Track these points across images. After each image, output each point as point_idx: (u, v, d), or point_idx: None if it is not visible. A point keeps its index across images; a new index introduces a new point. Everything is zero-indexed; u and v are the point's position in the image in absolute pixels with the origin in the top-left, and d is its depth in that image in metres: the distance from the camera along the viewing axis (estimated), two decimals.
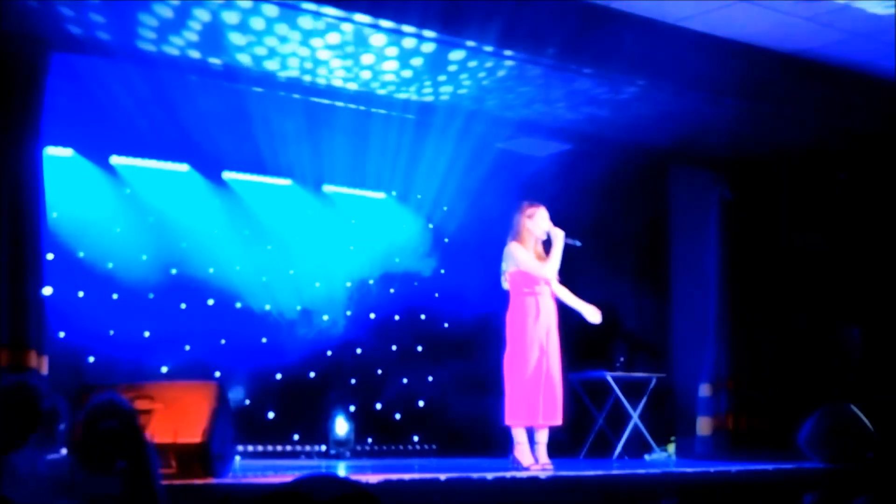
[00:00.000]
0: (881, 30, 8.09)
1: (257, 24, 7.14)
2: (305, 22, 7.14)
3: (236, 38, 7.35)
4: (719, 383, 10.02)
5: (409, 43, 7.52)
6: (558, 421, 7.72)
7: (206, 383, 6.47)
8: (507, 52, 7.63)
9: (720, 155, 10.06)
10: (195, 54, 7.58)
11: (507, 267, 7.74)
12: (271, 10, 6.97)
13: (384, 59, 7.79)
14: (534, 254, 7.74)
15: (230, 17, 7.03)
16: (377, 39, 7.46)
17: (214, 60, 7.70)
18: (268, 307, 10.39)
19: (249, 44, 7.43)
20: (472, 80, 8.20)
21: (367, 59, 7.79)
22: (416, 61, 7.85)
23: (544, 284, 7.72)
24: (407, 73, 8.09)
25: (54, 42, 7.16)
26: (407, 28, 7.21)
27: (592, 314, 7.96)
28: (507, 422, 7.67)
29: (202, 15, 7.00)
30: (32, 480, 4.20)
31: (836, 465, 7.86)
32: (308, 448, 10.40)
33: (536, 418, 7.60)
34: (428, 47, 7.61)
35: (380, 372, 11.04)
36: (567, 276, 7.96)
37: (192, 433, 5.54)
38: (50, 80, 7.12)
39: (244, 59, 7.68)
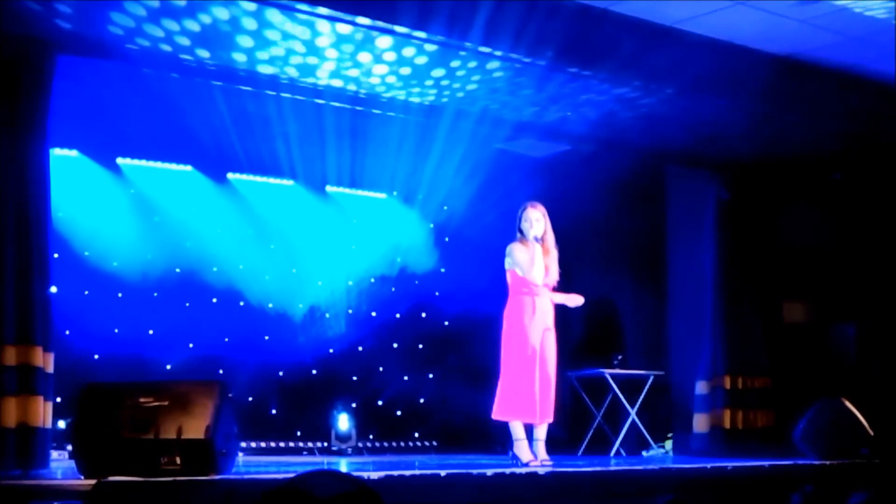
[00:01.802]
0: (875, 32, 8.15)
1: (261, 26, 7.22)
2: (308, 24, 7.22)
3: (241, 41, 7.41)
4: (716, 380, 10.07)
5: (409, 46, 7.59)
6: (550, 418, 7.81)
7: (209, 380, 6.54)
8: (506, 55, 7.69)
9: (716, 155, 10.10)
10: (200, 56, 7.65)
11: (507, 265, 7.86)
12: (274, 13, 7.05)
13: (385, 61, 7.87)
14: (536, 253, 7.80)
15: (234, 20, 7.11)
16: (378, 42, 7.53)
17: (219, 63, 7.77)
18: (271, 305, 10.48)
19: (254, 46, 7.50)
20: (471, 81, 8.26)
21: (368, 61, 7.86)
22: (416, 63, 7.92)
23: (542, 286, 7.81)
24: (407, 75, 8.15)
25: (60, 44, 7.22)
26: (407, 31, 7.29)
27: (574, 300, 8.04)
28: (495, 416, 7.75)
29: (206, 17, 7.08)
30: None
31: (832, 461, 7.97)
32: (310, 444, 10.48)
33: (531, 415, 7.68)
34: (428, 50, 7.69)
35: (381, 369, 11.12)
36: (565, 274, 8.03)
37: (196, 430, 5.59)
38: (56, 82, 7.17)
39: (249, 61, 7.76)
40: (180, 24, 7.16)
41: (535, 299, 7.76)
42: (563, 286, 8.12)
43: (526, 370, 7.65)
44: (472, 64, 7.94)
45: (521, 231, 7.85)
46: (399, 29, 7.27)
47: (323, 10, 6.97)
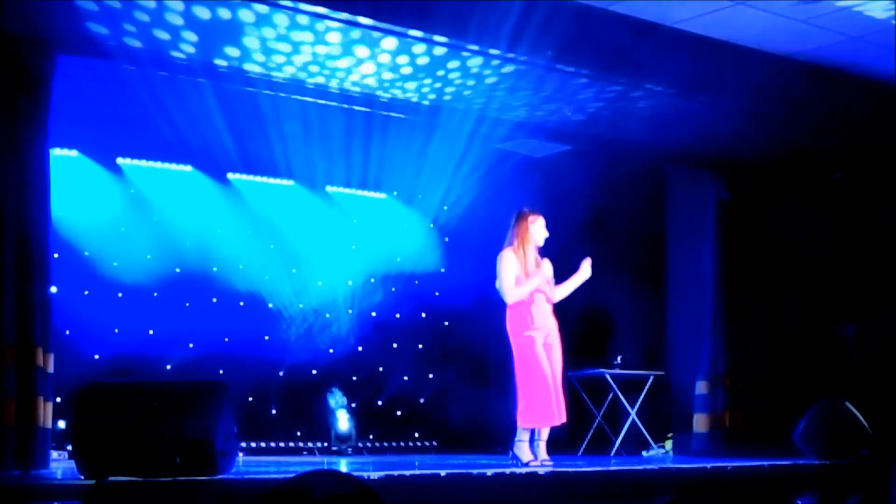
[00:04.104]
0: (876, 32, 8.17)
1: (261, 26, 7.23)
2: (309, 25, 7.23)
3: (242, 41, 7.43)
4: (716, 381, 10.08)
5: (409, 47, 7.60)
6: (564, 419, 7.80)
7: (209, 380, 6.54)
8: (507, 55, 7.69)
9: (717, 155, 10.11)
10: (200, 57, 7.66)
11: (497, 282, 7.79)
12: (276, 14, 7.06)
13: (386, 62, 7.88)
14: (530, 261, 7.74)
15: (235, 20, 7.12)
16: (380, 43, 7.54)
17: (219, 63, 7.78)
18: (271, 305, 10.49)
19: (254, 47, 7.52)
20: (471, 82, 8.28)
21: (369, 61, 7.87)
22: (417, 64, 7.94)
23: (535, 292, 7.74)
24: (407, 76, 8.17)
25: (61, 44, 7.23)
26: (408, 31, 7.30)
27: (581, 276, 7.95)
28: (524, 424, 7.65)
29: (206, 17, 7.09)
30: None
31: (831, 461, 7.98)
32: (310, 444, 10.50)
33: (553, 418, 7.67)
34: (429, 51, 7.70)
35: (381, 369, 11.14)
36: (564, 275, 8.01)
37: (196, 430, 5.59)
38: (56, 82, 7.18)
39: (248, 61, 7.77)
40: (182, 23, 7.18)
41: (530, 307, 7.70)
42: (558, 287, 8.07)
43: (541, 376, 7.61)
44: (472, 64, 7.96)
45: (518, 238, 7.72)
46: (400, 30, 7.27)
47: (324, 10, 6.97)
